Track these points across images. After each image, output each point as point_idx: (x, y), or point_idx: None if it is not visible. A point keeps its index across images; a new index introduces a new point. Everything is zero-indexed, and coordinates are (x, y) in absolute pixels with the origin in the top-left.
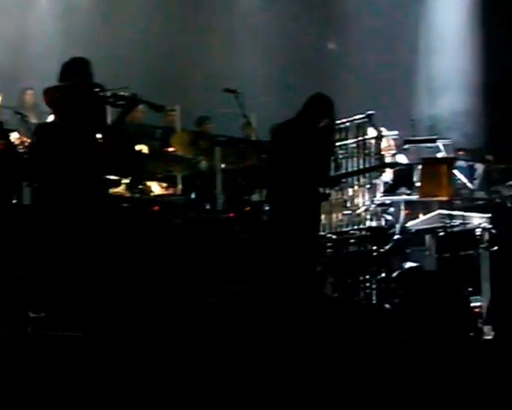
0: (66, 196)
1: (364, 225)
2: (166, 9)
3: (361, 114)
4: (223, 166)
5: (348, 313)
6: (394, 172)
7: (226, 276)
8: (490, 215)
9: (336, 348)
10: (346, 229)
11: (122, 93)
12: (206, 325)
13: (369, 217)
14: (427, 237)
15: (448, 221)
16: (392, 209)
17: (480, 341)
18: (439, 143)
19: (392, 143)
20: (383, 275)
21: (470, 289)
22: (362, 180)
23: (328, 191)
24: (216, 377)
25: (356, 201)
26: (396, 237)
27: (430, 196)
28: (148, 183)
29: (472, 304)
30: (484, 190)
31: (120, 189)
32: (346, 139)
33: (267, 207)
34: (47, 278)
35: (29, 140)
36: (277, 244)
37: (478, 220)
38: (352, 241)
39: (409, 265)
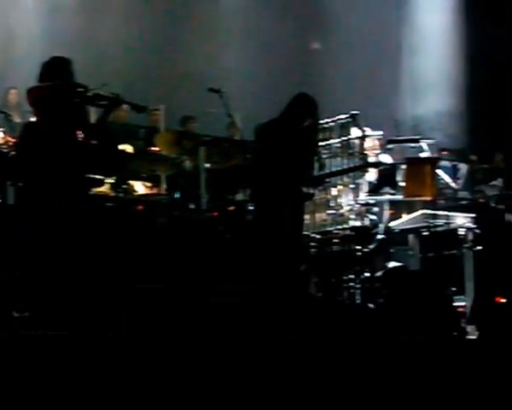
0: (50, 195)
1: (348, 224)
2: (152, 9)
3: (345, 113)
4: (207, 165)
5: (332, 312)
6: (378, 172)
7: (210, 275)
8: (473, 215)
9: (320, 348)
10: (329, 228)
11: (104, 93)
12: (197, 325)
13: (352, 217)
14: (411, 236)
15: (432, 221)
16: (375, 209)
17: (463, 340)
18: (423, 143)
19: (375, 142)
20: (367, 275)
21: (454, 288)
22: (346, 180)
23: (311, 191)
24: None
25: (340, 200)
26: (380, 236)
27: (414, 196)
28: (132, 182)
29: (455, 304)
30: (467, 189)
31: (104, 188)
32: (330, 139)
33: (251, 207)
34: (31, 277)
35: (13, 140)
36: (261, 244)
37: (462, 220)
38: (335, 240)
39: (392, 264)
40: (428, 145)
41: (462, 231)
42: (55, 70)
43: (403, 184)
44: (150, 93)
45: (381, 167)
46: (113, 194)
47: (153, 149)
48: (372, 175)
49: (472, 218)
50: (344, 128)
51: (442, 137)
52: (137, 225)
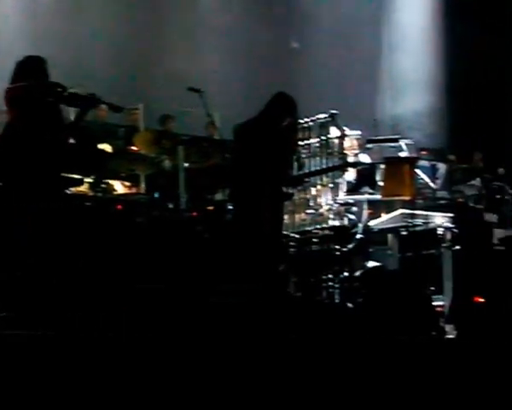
0: (28, 195)
1: (327, 224)
2: (132, 8)
3: (324, 113)
4: (186, 165)
5: (311, 312)
6: (357, 172)
7: (190, 275)
8: (452, 215)
9: (299, 348)
10: (308, 228)
11: (80, 93)
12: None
13: (331, 216)
14: (390, 236)
15: (410, 220)
16: (354, 209)
17: (442, 340)
18: (402, 143)
19: (354, 142)
20: (346, 274)
21: (432, 288)
22: (325, 179)
23: (291, 191)
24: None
25: (319, 200)
26: (359, 236)
27: (393, 196)
28: (111, 182)
29: (434, 303)
30: (446, 189)
31: (83, 187)
32: (309, 138)
33: (230, 207)
34: (11, 277)
35: None
36: (241, 244)
37: (440, 220)
38: (314, 240)
39: (371, 264)
40: (407, 145)
41: (440, 231)
42: (30, 69)
43: (382, 183)
44: (130, 92)
45: (360, 167)
46: (91, 193)
47: (132, 148)
48: (351, 175)
49: (450, 217)
50: (323, 128)
51: (421, 136)
52: (116, 224)
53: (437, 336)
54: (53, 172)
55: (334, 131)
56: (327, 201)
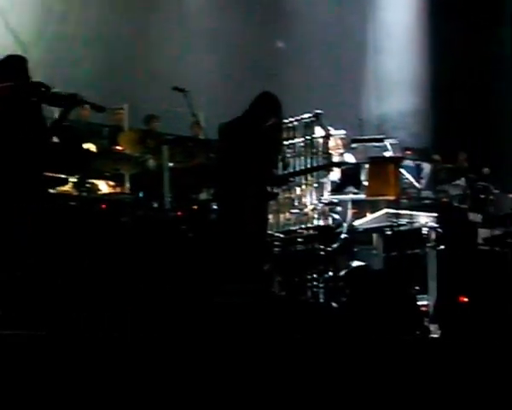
0: (12, 194)
1: (312, 224)
2: (117, 8)
3: (309, 113)
4: (170, 164)
5: (295, 312)
6: (342, 171)
7: (175, 274)
8: (437, 214)
9: (284, 348)
10: (293, 228)
11: (62, 92)
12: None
13: (316, 216)
14: (375, 235)
15: (395, 220)
16: (339, 208)
17: (426, 339)
18: (387, 143)
19: (339, 142)
20: (330, 274)
21: (417, 287)
22: (309, 179)
23: (275, 190)
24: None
25: (303, 200)
26: (343, 236)
27: (377, 195)
28: (96, 181)
29: (419, 303)
30: (431, 189)
31: (67, 187)
32: (294, 138)
33: (215, 206)
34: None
35: None
36: (225, 243)
37: (425, 219)
38: (299, 240)
39: (356, 264)
40: (392, 144)
41: (425, 231)
42: (12, 69)
43: (366, 183)
44: (114, 92)
45: (345, 167)
46: (76, 193)
47: (116, 147)
48: (335, 174)
49: (435, 217)
50: (308, 127)
51: (406, 136)
52: (101, 224)
53: (421, 335)
54: (37, 172)
55: (318, 131)
56: (311, 200)
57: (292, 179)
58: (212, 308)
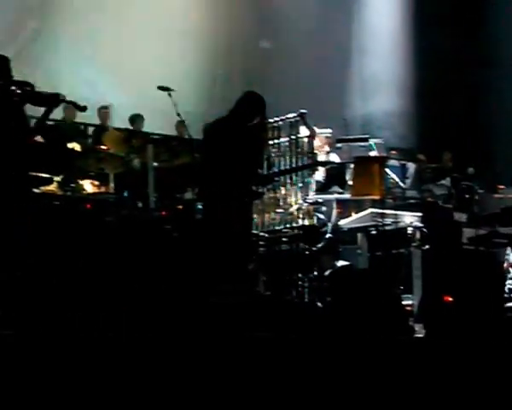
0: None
1: (297, 223)
2: (100, 7)
3: (294, 112)
4: (155, 164)
5: (280, 311)
6: (327, 171)
7: (159, 274)
8: (421, 214)
9: (269, 347)
10: (278, 227)
11: (44, 92)
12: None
13: (301, 215)
14: (360, 235)
15: (380, 220)
16: (324, 208)
17: (410, 339)
18: (372, 142)
19: (324, 141)
20: (315, 273)
21: (402, 287)
22: (294, 179)
23: (260, 190)
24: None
25: (288, 199)
26: (328, 235)
27: (362, 195)
28: (81, 181)
29: (403, 302)
30: (415, 188)
31: (52, 187)
32: (279, 138)
33: (200, 206)
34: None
35: None
36: (210, 243)
37: (409, 219)
38: (284, 239)
39: (341, 263)
40: (377, 144)
41: (410, 230)
42: None
43: (351, 182)
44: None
45: (330, 166)
46: (60, 192)
47: (101, 147)
48: (320, 174)
49: (420, 217)
50: (293, 127)
51: (390, 136)
52: (85, 223)
53: (406, 335)
54: (21, 171)
55: (303, 131)
56: (296, 200)
57: (277, 179)
58: (203, 307)
